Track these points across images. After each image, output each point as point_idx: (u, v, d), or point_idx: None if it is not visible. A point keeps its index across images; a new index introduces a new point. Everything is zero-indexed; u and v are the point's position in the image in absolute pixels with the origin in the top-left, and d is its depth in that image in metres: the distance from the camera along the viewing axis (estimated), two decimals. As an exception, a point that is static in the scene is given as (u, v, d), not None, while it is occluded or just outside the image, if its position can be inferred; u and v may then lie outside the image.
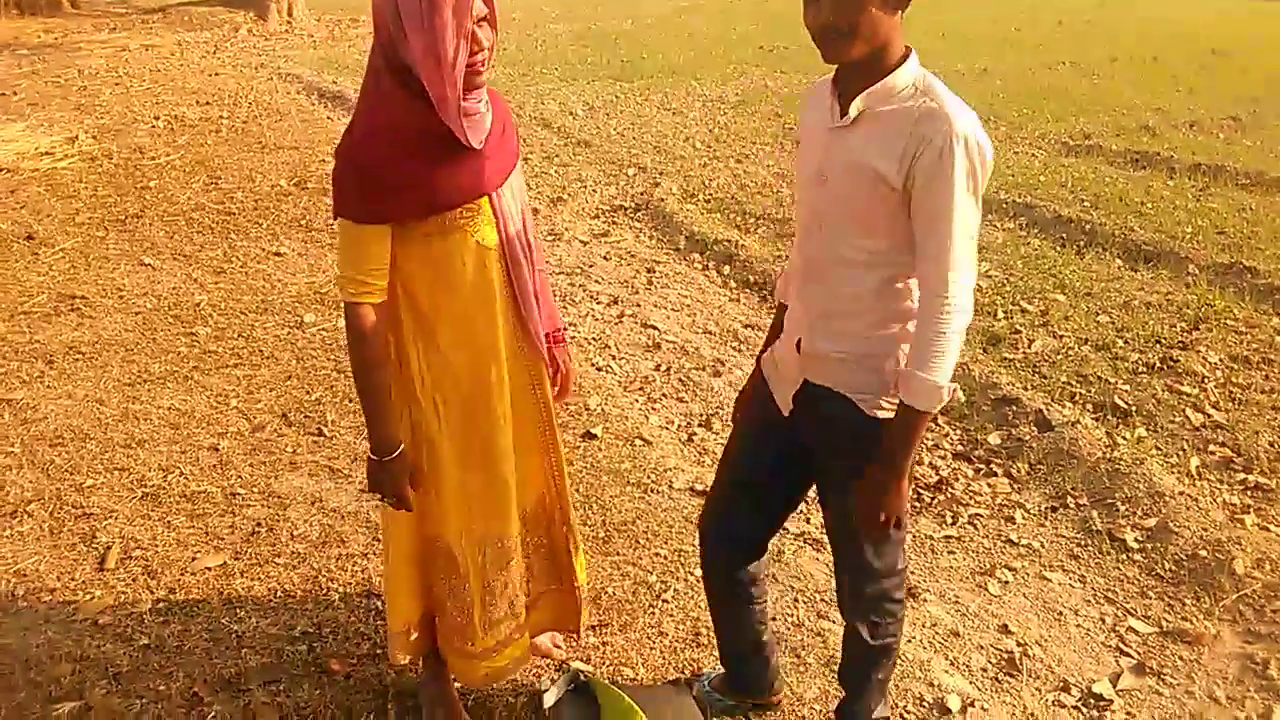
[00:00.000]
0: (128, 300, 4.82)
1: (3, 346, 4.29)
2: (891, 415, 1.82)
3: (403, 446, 1.97)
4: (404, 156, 1.81)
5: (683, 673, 2.53)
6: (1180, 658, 2.65)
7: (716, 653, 2.45)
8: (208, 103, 9.48)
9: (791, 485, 2.15)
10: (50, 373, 4.08)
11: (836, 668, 2.50)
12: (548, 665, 2.55)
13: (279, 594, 2.79)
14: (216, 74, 11.20)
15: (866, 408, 1.84)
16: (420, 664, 2.39)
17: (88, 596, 2.77)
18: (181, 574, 2.87)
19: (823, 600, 2.82)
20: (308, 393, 3.96)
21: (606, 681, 2.32)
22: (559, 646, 2.60)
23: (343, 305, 1.90)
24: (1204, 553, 2.98)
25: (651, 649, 2.64)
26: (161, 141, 7.91)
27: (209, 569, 2.89)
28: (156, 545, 3.00)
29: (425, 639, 2.26)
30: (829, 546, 3.09)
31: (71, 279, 5.07)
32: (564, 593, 2.38)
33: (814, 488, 2.11)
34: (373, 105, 1.84)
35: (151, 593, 2.79)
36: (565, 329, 2.32)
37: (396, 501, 2.00)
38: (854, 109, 1.72)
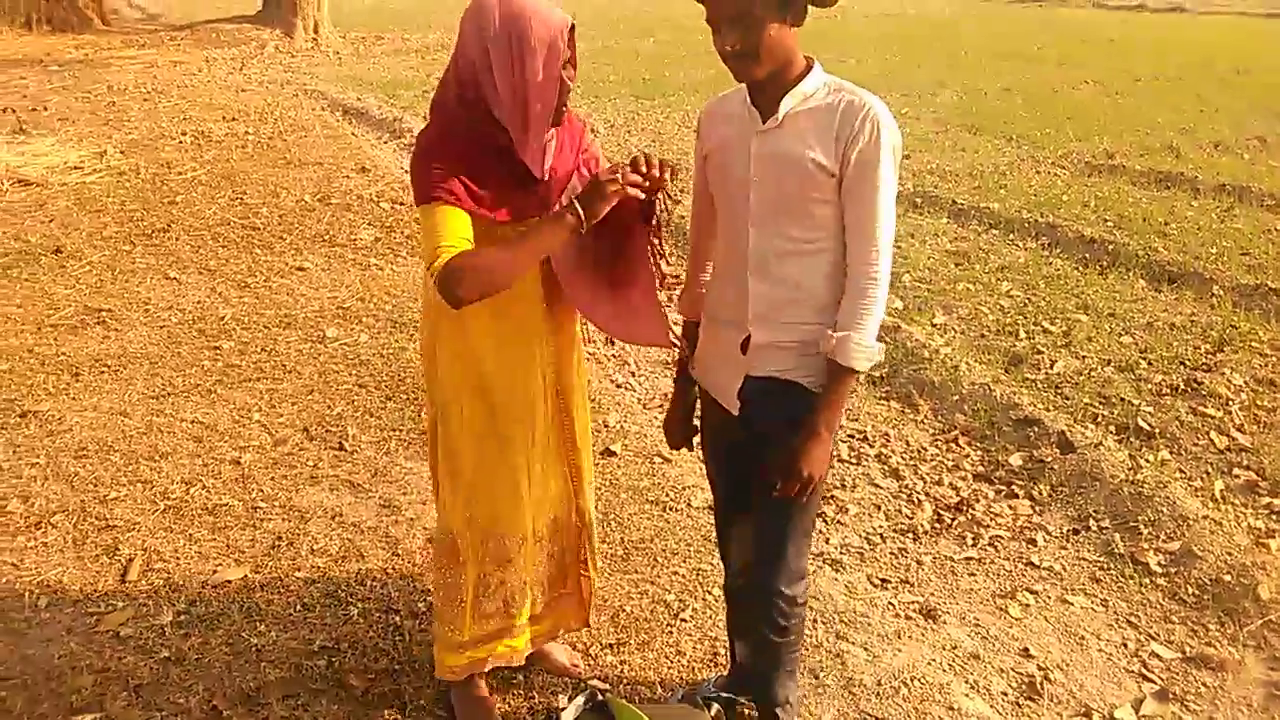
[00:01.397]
0: (153, 314, 4.88)
1: (30, 358, 4.34)
2: None
3: (566, 203, 1.90)
4: (465, 174, 1.90)
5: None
6: (1204, 684, 2.62)
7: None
8: (234, 119, 9.59)
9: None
10: (76, 385, 4.13)
11: (854, 689, 2.51)
12: (565, 684, 2.54)
13: (298, 608, 2.81)
14: (243, 90, 11.34)
15: (814, 386, 1.95)
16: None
17: (110, 608, 2.79)
18: (202, 587, 2.89)
19: (841, 621, 2.80)
20: (329, 407, 3.98)
21: (624, 701, 2.31)
22: (577, 665, 2.60)
23: (435, 281, 1.84)
24: (1228, 577, 2.95)
25: (670, 668, 2.63)
26: (188, 157, 8.01)
27: (229, 582, 2.91)
28: (178, 558, 3.02)
29: None
30: (846, 566, 3.09)
31: (98, 292, 5.13)
32: (570, 596, 2.43)
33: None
34: (439, 120, 1.95)
35: (173, 605, 2.81)
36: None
37: (601, 207, 1.88)
38: (782, 110, 1.87)
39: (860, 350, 1.86)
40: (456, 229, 1.88)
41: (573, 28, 1.91)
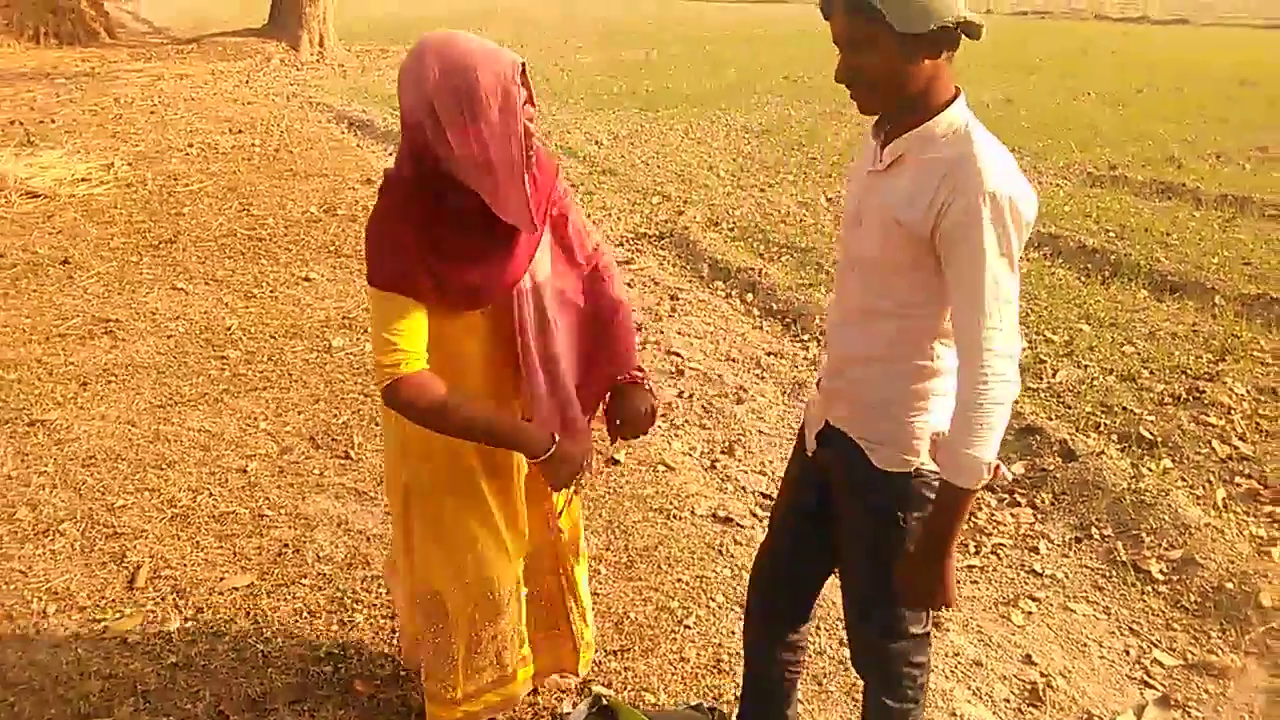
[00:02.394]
0: (160, 324, 4.91)
1: (38, 368, 4.37)
2: (900, 470, 1.78)
3: (556, 440, 1.91)
4: (430, 252, 1.77)
5: (703, 698, 2.52)
6: (1206, 691, 2.63)
7: (737, 679, 2.46)
8: (240, 131, 9.65)
9: (826, 528, 2.05)
10: (84, 394, 4.15)
11: (858, 695, 2.50)
12: (570, 689, 2.56)
13: (305, 615, 2.83)
14: (249, 103, 11.41)
15: (874, 458, 1.79)
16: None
17: (117, 615, 2.81)
18: (209, 593, 2.91)
19: (844, 628, 2.81)
20: (335, 416, 4.01)
21: (629, 705, 2.33)
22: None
23: (382, 391, 1.80)
24: (1230, 585, 2.96)
25: (673, 675, 2.64)
26: (195, 168, 8.06)
27: (236, 589, 2.93)
28: (185, 565, 3.04)
29: None
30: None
31: (105, 303, 5.17)
32: (561, 637, 2.38)
33: None
34: (393, 193, 1.81)
35: (180, 612, 2.83)
36: (640, 373, 2.13)
37: (582, 479, 2.03)
38: (889, 154, 1.68)
39: (969, 465, 1.59)
40: (414, 330, 1.77)
41: (524, 67, 1.72)
